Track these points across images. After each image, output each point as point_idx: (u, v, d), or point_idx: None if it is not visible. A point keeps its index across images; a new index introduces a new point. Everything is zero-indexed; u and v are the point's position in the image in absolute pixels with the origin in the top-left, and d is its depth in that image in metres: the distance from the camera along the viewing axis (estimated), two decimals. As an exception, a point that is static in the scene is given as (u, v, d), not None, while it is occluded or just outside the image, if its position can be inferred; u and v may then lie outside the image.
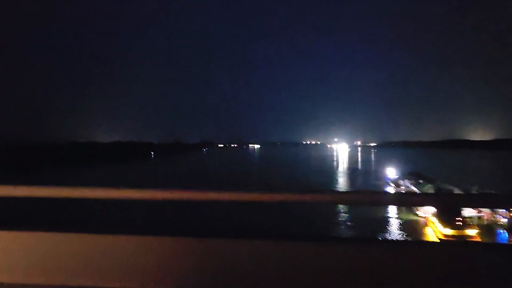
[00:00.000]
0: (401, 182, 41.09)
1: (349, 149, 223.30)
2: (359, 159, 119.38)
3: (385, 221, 28.30)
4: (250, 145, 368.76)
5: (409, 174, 43.85)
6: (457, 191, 25.29)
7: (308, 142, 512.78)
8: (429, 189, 32.18)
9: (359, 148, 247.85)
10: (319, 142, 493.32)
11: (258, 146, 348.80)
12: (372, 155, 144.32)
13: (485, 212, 25.32)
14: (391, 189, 39.55)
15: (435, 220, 25.64)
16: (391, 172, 47.17)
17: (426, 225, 27.32)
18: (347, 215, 29.06)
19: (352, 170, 69.78)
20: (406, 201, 1.54)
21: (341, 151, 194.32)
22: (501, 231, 24.12)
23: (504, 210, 23.22)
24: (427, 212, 26.92)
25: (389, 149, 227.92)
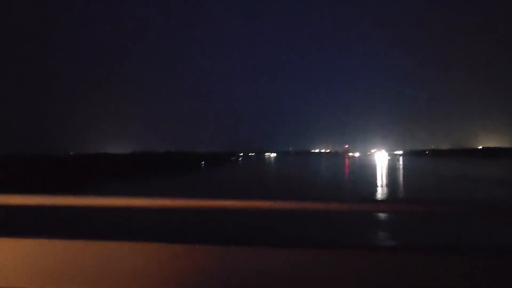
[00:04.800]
0: None
1: (389, 157, 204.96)
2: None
3: None
4: (266, 153, 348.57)
5: None
6: None
7: (318, 151, 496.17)
8: None
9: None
10: (328, 150, 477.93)
11: (275, 154, 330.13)
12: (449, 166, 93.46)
13: None
14: None
15: None
16: None
17: None
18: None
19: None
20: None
21: (381, 160, 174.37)
22: None
23: None
24: None
25: (423, 157, 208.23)
